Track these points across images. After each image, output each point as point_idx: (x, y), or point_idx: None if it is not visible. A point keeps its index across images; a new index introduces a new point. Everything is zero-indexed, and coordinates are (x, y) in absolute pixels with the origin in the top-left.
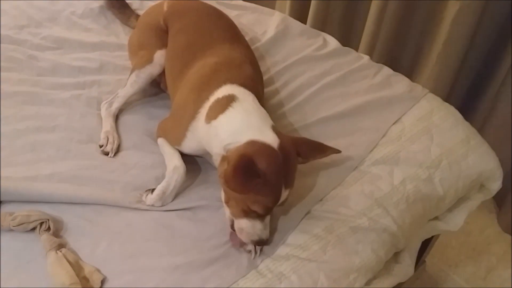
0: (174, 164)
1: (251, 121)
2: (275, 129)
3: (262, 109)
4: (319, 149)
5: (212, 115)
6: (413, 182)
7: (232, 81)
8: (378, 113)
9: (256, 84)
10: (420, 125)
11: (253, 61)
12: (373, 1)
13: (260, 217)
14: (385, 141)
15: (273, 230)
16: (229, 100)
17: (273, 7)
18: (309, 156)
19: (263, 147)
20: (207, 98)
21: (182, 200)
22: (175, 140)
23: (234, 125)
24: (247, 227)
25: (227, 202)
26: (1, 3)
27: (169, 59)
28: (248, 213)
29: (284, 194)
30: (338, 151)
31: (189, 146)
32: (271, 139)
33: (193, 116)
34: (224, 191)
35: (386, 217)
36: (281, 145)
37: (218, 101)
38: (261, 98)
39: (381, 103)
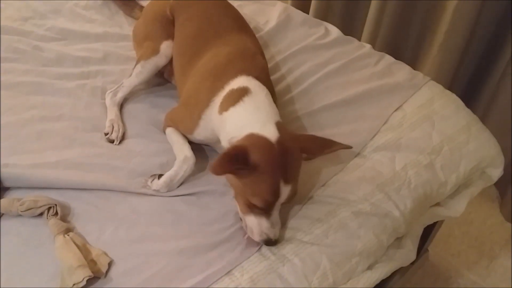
0: (184, 154)
1: (257, 116)
2: (279, 125)
3: (272, 105)
4: (325, 145)
5: (225, 107)
6: (415, 168)
7: (247, 73)
8: (380, 101)
9: (269, 76)
10: (421, 112)
11: (262, 52)
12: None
13: (265, 213)
14: (386, 128)
15: (282, 232)
16: (242, 93)
17: None
18: (315, 153)
19: (259, 140)
20: (222, 87)
21: (186, 186)
22: (187, 129)
23: (240, 120)
24: (254, 225)
25: (235, 198)
26: None
27: (177, 48)
28: (251, 208)
29: (285, 189)
30: (349, 147)
31: (201, 134)
32: (270, 134)
33: (206, 104)
34: (230, 185)
35: (387, 202)
36: (280, 140)
37: (232, 92)
38: (273, 91)
39: (382, 91)
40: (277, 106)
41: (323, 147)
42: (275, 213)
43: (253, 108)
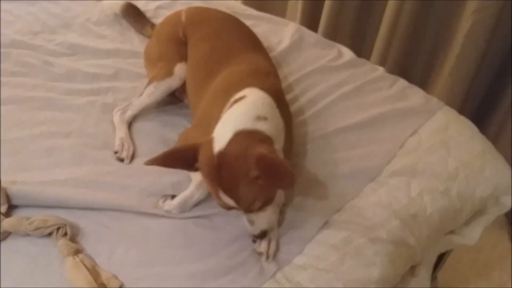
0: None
1: (226, 122)
2: (239, 135)
3: (254, 106)
4: (279, 178)
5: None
6: (431, 194)
7: (254, 86)
8: (395, 125)
9: (279, 93)
10: (437, 137)
11: (276, 71)
12: (385, 12)
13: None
14: (402, 153)
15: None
16: (237, 100)
17: (284, 12)
18: (265, 179)
19: (206, 148)
20: (228, 101)
21: (198, 207)
22: None
23: (219, 124)
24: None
25: None
26: (16, 9)
27: (191, 68)
28: None
29: (230, 201)
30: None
31: None
32: (219, 144)
33: (217, 121)
34: None
35: (403, 229)
36: (222, 152)
37: (232, 102)
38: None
39: (397, 115)
40: (290, 125)
41: (276, 179)
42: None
43: (231, 114)
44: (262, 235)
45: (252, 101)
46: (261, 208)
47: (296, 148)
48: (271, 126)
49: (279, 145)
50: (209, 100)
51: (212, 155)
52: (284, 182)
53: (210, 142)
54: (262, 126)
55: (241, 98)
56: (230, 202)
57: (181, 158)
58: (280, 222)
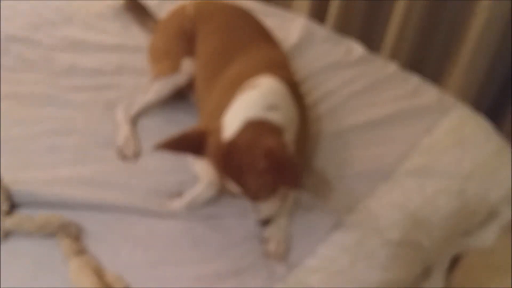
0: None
1: (237, 109)
2: (250, 124)
3: (266, 95)
4: (284, 173)
5: None
6: (445, 195)
7: (268, 75)
8: (409, 123)
9: (293, 82)
10: (451, 137)
11: (289, 62)
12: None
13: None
14: (416, 152)
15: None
16: (249, 88)
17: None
18: (268, 172)
19: (215, 135)
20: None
21: (206, 207)
22: None
23: (231, 109)
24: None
25: None
26: (16, 3)
27: (202, 62)
28: None
29: (232, 186)
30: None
31: None
32: (229, 132)
33: None
34: None
35: (417, 230)
36: (232, 141)
37: (244, 90)
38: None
39: (411, 113)
40: (306, 118)
41: (281, 174)
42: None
43: (241, 101)
44: (266, 221)
45: (264, 89)
46: (267, 198)
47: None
48: (283, 116)
49: (289, 136)
50: (221, 93)
51: (221, 143)
52: (290, 181)
53: (219, 129)
54: (273, 116)
55: (252, 86)
56: (237, 189)
57: (189, 143)
58: (290, 223)
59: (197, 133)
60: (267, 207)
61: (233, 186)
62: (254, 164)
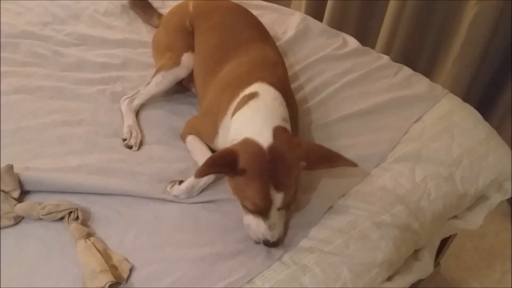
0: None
1: (256, 120)
2: (277, 130)
3: (278, 109)
4: (329, 159)
5: (234, 112)
6: (435, 179)
7: (263, 80)
8: (400, 112)
9: (287, 85)
10: (441, 124)
11: (283, 61)
12: (391, 1)
13: (262, 216)
14: (406, 139)
15: (284, 236)
16: (251, 97)
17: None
18: (315, 164)
19: (251, 146)
20: (238, 95)
21: (206, 193)
22: (208, 137)
23: (242, 123)
24: (252, 224)
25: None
26: (27, 3)
27: (199, 58)
28: (247, 210)
29: (277, 196)
30: (354, 165)
31: (221, 142)
32: (264, 139)
33: (225, 113)
34: (229, 185)
35: (408, 213)
36: (273, 146)
37: (244, 97)
38: (293, 100)
39: (402, 102)
40: (296, 115)
41: (326, 160)
42: (274, 216)
43: (254, 111)
44: (278, 242)
45: (270, 101)
46: (288, 205)
47: (301, 136)
48: (288, 123)
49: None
50: (217, 91)
51: (263, 151)
52: (335, 161)
53: (251, 141)
54: (286, 125)
55: (252, 95)
56: (279, 198)
57: (221, 164)
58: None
59: (227, 153)
60: (280, 225)
61: (275, 195)
62: (297, 162)
